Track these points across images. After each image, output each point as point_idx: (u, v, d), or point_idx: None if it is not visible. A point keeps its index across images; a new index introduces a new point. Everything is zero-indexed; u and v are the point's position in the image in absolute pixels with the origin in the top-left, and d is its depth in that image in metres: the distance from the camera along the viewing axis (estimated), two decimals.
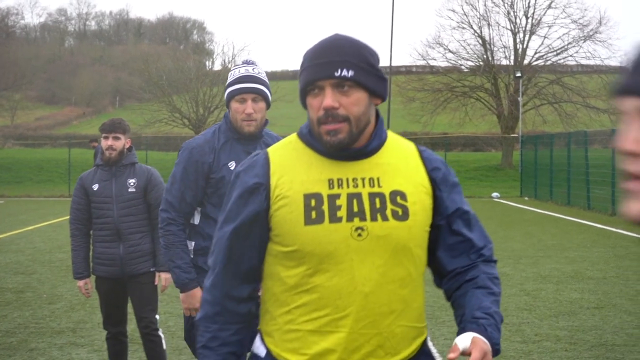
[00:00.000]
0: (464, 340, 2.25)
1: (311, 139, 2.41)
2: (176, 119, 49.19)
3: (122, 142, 6.01)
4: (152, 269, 6.03)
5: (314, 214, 2.31)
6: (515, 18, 48.08)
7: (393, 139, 2.49)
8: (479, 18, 48.01)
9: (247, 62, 4.50)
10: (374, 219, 2.32)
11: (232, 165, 4.36)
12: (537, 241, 16.59)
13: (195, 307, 4.45)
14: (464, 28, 48.19)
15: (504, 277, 11.46)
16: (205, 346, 2.48)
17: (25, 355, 7.47)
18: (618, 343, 7.81)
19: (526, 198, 32.95)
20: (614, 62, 46.05)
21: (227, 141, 4.41)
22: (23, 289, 10.95)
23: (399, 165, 2.41)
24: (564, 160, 28.54)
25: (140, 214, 5.98)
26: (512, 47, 48.11)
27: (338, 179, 2.35)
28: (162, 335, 6.16)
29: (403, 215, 2.33)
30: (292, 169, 2.38)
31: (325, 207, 2.32)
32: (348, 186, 2.33)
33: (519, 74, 43.36)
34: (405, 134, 43.31)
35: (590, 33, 46.84)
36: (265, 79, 4.44)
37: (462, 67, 47.98)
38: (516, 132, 44.39)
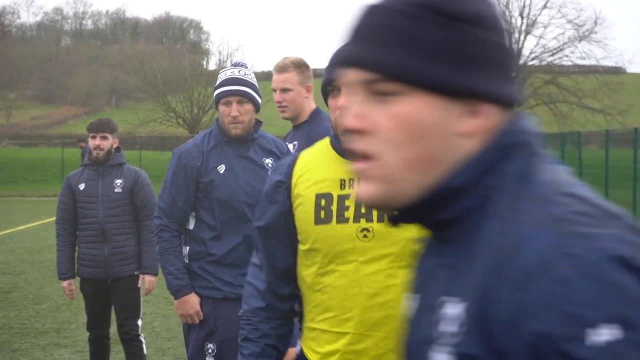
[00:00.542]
0: None
1: (334, 140, 2.47)
2: (171, 118, 49.18)
3: (110, 142, 5.99)
4: (136, 272, 6.00)
5: (322, 214, 2.37)
6: (511, 18, 48.13)
7: None
8: None
9: (235, 65, 4.48)
10: (380, 220, 2.33)
11: (221, 168, 4.32)
12: None
13: (190, 314, 4.38)
14: None
15: None
16: (246, 338, 2.55)
17: (7, 356, 7.43)
18: None
19: None
20: (609, 62, 46.10)
21: (217, 144, 4.38)
22: (10, 290, 10.92)
23: None
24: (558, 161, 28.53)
25: (125, 215, 5.96)
26: None
27: (350, 180, 2.38)
28: (143, 341, 6.17)
29: None
30: (312, 169, 2.44)
31: (334, 207, 2.36)
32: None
33: (513, 74, 43.33)
34: None
35: (586, 33, 46.95)
36: (252, 81, 4.39)
37: None
38: None
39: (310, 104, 4.77)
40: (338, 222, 2.35)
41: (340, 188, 2.38)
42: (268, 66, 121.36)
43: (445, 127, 1.13)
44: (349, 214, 2.34)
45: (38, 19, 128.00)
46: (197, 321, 4.38)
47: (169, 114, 48.99)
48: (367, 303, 2.32)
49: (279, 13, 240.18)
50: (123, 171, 6.01)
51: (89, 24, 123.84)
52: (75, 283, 6.07)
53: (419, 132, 1.12)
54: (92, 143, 5.95)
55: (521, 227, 1.04)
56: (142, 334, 6.17)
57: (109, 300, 6.13)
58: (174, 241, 4.38)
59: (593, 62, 47.33)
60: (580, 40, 47.28)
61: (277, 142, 4.51)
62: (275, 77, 4.76)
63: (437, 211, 1.16)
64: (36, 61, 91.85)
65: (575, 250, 0.98)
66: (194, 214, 4.42)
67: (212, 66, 61.89)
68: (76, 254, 6.05)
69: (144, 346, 6.16)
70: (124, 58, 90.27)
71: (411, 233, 2.32)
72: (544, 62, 48.01)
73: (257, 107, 4.43)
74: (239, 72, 4.38)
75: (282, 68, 4.73)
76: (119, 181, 5.94)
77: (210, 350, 4.37)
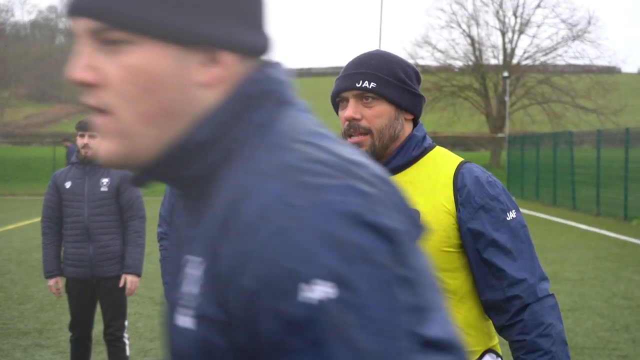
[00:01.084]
0: None
1: None
2: None
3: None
4: (121, 273, 5.95)
5: None
6: (504, 17, 48.14)
7: (436, 155, 2.43)
8: (468, 17, 48.06)
9: None
10: None
11: None
12: None
13: None
14: (452, 27, 48.25)
15: None
16: None
17: None
18: (588, 346, 7.75)
19: (513, 198, 32.89)
20: (603, 62, 46.14)
21: None
22: None
23: (425, 183, 2.36)
24: (550, 161, 28.55)
25: (111, 215, 5.91)
26: (501, 47, 48.15)
27: None
28: (127, 342, 6.13)
29: None
30: None
31: None
32: None
33: (506, 74, 43.38)
34: None
35: (579, 33, 46.96)
36: None
37: (452, 66, 48.01)
38: (504, 132, 44.42)
39: None
40: None
41: None
42: None
43: (182, 77, 1.07)
44: None
45: (32, 17, 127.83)
46: None
47: None
48: None
49: (274, 11, 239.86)
50: (110, 170, 5.95)
51: None
52: (61, 282, 6.03)
53: (153, 83, 1.05)
54: (80, 142, 5.92)
55: (250, 177, 0.99)
56: (126, 335, 6.14)
57: (94, 302, 6.09)
58: (173, 249, 4.33)
59: (587, 61, 47.35)
60: (573, 40, 47.31)
61: None
62: None
63: (180, 168, 1.09)
64: (30, 59, 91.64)
65: (299, 202, 0.93)
66: None
67: None
68: (62, 254, 6.02)
69: (127, 347, 6.13)
70: None
71: None
72: (537, 62, 48.01)
73: None
74: None
75: None
76: (105, 180, 5.90)
77: None
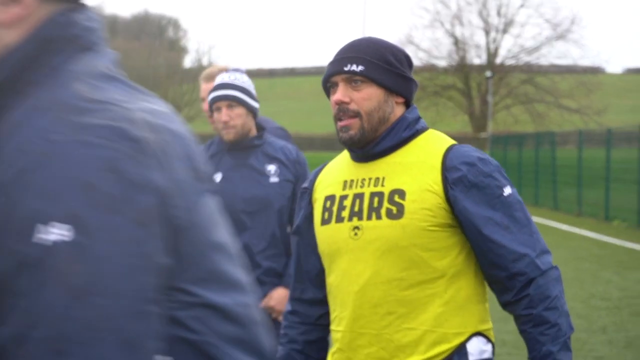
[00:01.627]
0: None
1: None
2: None
3: None
4: None
5: (326, 215, 2.42)
6: (488, 17, 48.25)
7: (428, 137, 2.45)
8: (452, 16, 48.12)
9: (227, 70, 4.37)
10: (369, 217, 2.35)
11: (217, 177, 4.19)
12: None
13: None
14: (436, 27, 48.31)
15: None
16: (279, 341, 2.61)
17: None
18: None
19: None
20: (586, 62, 46.33)
21: (217, 153, 4.27)
22: None
23: (413, 164, 2.38)
24: (533, 161, 28.58)
25: None
26: (484, 47, 48.24)
27: (350, 180, 2.42)
28: None
29: (397, 213, 2.32)
30: (329, 173, 2.51)
31: (335, 207, 2.41)
32: (356, 187, 2.40)
33: (489, 74, 43.44)
34: None
35: (563, 33, 47.13)
36: (243, 85, 4.24)
37: (436, 65, 48.07)
38: (487, 132, 44.48)
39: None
40: (336, 221, 2.39)
41: (343, 189, 2.41)
42: (249, 65, 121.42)
43: None
44: (345, 213, 2.38)
45: None
46: None
47: None
48: (355, 300, 2.35)
49: (257, 11, 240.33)
50: None
51: None
52: None
53: None
54: None
55: (22, 112, 0.95)
56: None
57: None
58: None
59: (570, 62, 47.52)
60: (557, 40, 47.46)
61: (285, 148, 4.35)
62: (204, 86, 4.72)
63: None
64: None
65: (58, 137, 0.88)
66: None
67: (187, 64, 61.82)
68: None
69: None
70: None
71: (398, 231, 2.31)
72: (521, 62, 48.13)
73: (250, 110, 4.25)
74: (229, 77, 4.26)
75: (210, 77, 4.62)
76: None
77: None
